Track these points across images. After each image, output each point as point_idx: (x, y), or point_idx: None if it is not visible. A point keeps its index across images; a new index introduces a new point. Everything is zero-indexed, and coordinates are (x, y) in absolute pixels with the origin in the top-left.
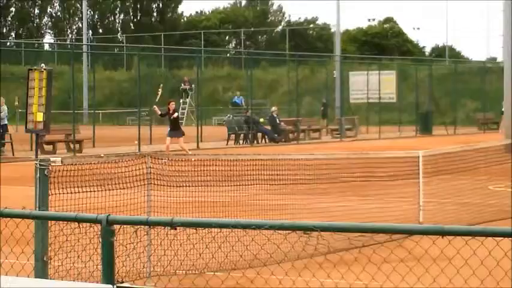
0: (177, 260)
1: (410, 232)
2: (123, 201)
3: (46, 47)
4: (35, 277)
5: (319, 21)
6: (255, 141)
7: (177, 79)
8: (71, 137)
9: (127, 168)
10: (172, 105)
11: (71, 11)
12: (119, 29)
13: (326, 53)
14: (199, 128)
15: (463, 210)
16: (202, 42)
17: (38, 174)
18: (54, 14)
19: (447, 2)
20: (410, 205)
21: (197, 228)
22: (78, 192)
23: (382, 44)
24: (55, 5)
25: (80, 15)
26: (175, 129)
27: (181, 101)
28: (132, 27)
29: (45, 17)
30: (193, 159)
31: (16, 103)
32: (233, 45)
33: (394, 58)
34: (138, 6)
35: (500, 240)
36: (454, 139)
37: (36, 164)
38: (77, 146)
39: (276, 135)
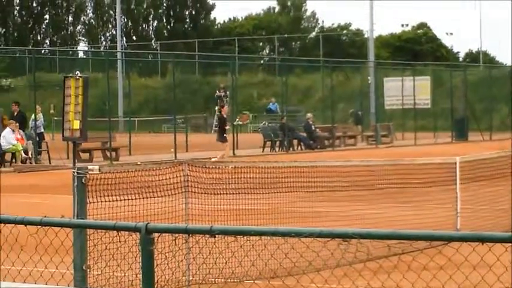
0: (216, 268)
1: (450, 239)
2: (161, 209)
3: (80, 54)
4: (75, 286)
5: (353, 27)
6: (291, 148)
7: (211, 86)
8: (107, 145)
9: (164, 176)
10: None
11: (105, 18)
12: (153, 36)
13: (360, 58)
14: (235, 135)
15: (500, 216)
16: (236, 48)
17: (76, 183)
18: (87, 22)
19: (481, 4)
20: (448, 212)
21: (236, 236)
22: (116, 200)
23: (415, 49)
24: (88, 12)
25: (114, 23)
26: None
27: (216, 108)
28: (166, 34)
29: (79, 25)
30: (230, 167)
31: (52, 111)
32: (267, 51)
33: (428, 64)
34: (172, 12)
35: None
36: (490, 145)
37: (73, 172)
38: (114, 153)
39: (311, 142)
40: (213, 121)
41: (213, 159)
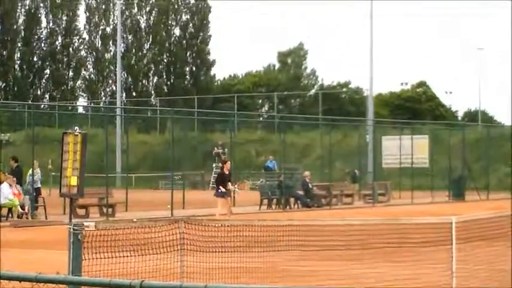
0: None
1: None
2: (156, 267)
3: (80, 109)
4: None
5: (352, 85)
6: (288, 206)
7: (210, 143)
8: (104, 201)
9: (160, 233)
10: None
11: (105, 73)
12: (153, 91)
13: (359, 116)
14: (232, 192)
15: (496, 277)
16: (236, 105)
17: (72, 239)
18: (88, 77)
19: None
20: (443, 271)
21: None
22: (112, 257)
23: (415, 108)
24: (89, 67)
25: (114, 78)
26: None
27: (214, 165)
28: (166, 90)
29: (79, 80)
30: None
31: (49, 166)
32: (266, 108)
33: (427, 122)
34: (172, 69)
35: None
36: (487, 204)
37: (69, 228)
38: (110, 210)
39: (308, 200)
40: (211, 178)
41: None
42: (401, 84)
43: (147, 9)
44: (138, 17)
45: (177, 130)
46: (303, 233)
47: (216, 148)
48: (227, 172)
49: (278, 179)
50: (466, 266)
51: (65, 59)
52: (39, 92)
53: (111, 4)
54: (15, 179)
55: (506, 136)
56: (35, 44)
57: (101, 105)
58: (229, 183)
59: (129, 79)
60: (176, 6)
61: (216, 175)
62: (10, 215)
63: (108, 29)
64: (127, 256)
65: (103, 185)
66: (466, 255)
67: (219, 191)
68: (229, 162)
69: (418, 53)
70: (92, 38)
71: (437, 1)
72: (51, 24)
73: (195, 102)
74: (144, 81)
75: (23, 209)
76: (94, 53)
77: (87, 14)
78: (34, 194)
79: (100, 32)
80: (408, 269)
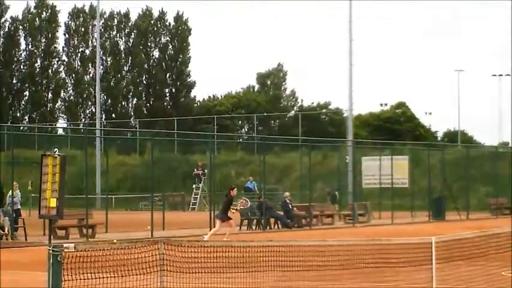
0: None
1: None
2: None
3: (59, 131)
4: None
5: (332, 106)
6: (268, 227)
7: (190, 164)
8: (84, 222)
9: (140, 255)
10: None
11: (84, 95)
12: (132, 113)
13: (338, 137)
14: (212, 213)
15: None
16: (215, 127)
17: (51, 260)
18: (67, 98)
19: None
20: None
21: None
22: (92, 278)
23: (394, 128)
24: (68, 89)
25: (93, 100)
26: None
27: (193, 186)
28: (145, 112)
29: (59, 101)
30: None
31: (29, 187)
32: (246, 129)
33: (407, 143)
34: (151, 91)
35: None
36: (467, 224)
37: (49, 249)
38: (90, 231)
39: (288, 220)
40: (191, 199)
41: (224, 238)
42: (381, 105)
43: (126, 31)
44: (117, 39)
45: (156, 151)
46: (283, 254)
47: (196, 169)
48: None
49: (258, 199)
50: (446, 285)
51: (44, 81)
52: (18, 114)
53: (90, 26)
54: None
55: (485, 156)
56: (14, 66)
57: (81, 126)
58: (231, 209)
59: (109, 101)
60: (156, 28)
61: (224, 202)
62: None
63: (87, 51)
64: (107, 277)
65: (83, 206)
66: (446, 275)
67: (225, 215)
68: (235, 188)
69: (397, 74)
70: (71, 60)
71: (415, 23)
72: (30, 46)
73: (175, 124)
74: (123, 103)
75: (3, 230)
76: (73, 75)
77: (66, 36)
78: (14, 215)
79: (79, 54)
80: None
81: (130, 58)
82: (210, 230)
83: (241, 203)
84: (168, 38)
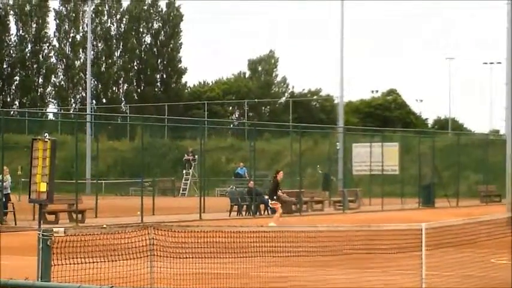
0: None
1: None
2: (126, 273)
3: (50, 116)
4: None
5: (323, 93)
6: (258, 213)
7: (180, 150)
8: (74, 207)
9: (130, 239)
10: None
11: (75, 80)
12: (123, 98)
13: (329, 124)
14: (202, 198)
15: (465, 283)
16: (206, 113)
17: (41, 245)
18: (58, 84)
19: (450, 74)
20: (413, 278)
21: None
22: (81, 263)
23: (385, 115)
24: (59, 74)
25: (84, 85)
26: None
27: (184, 171)
28: (136, 97)
29: (49, 87)
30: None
31: (19, 172)
32: (236, 116)
33: (397, 130)
34: (142, 76)
35: None
36: (457, 211)
37: (39, 234)
38: (80, 216)
39: None
40: (181, 184)
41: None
42: (372, 92)
43: (118, 16)
44: (109, 25)
45: (147, 137)
46: (273, 239)
47: (186, 155)
48: (279, 181)
49: (248, 185)
50: (435, 272)
51: (35, 66)
52: (8, 99)
53: (81, 12)
54: None
55: (475, 144)
56: (4, 51)
57: (71, 112)
58: (279, 191)
59: (99, 86)
60: (148, 14)
61: (272, 185)
62: None
63: (78, 37)
64: (97, 262)
65: (73, 191)
66: (436, 262)
67: (275, 197)
68: (281, 171)
69: (388, 61)
70: (62, 45)
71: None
72: (20, 31)
73: (166, 110)
74: (114, 88)
75: None
76: (64, 60)
77: (57, 21)
78: (3, 200)
79: (70, 40)
80: (378, 275)
81: (121, 43)
82: (200, 215)
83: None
84: (160, 24)
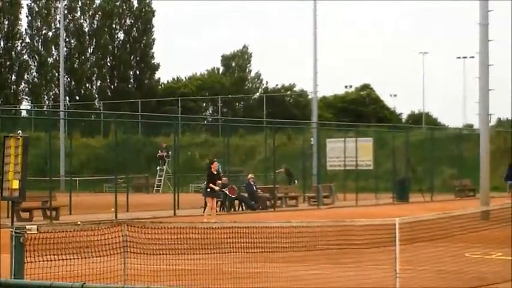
0: None
1: None
2: (99, 269)
3: (23, 113)
4: None
5: (297, 88)
6: (232, 209)
7: (154, 146)
8: (48, 204)
9: (103, 236)
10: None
11: (48, 77)
12: (96, 95)
13: (303, 119)
14: (176, 195)
15: (439, 277)
16: (180, 109)
17: (14, 242)
18: (31, 81)
19: (423, 69)
20: (387, 272)
21: None
22: (54, 260)
23: (359, 110)
24: (32, 71)
25: (57, 82)
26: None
27: (158, 168)
28: (109, 94)
29: (22, 84)
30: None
31: None
32: (210, 111)
33: (371, 125)
34: (115, 73)
35: None
36: (431, 206)
37: (11, 231)
38: (54, 213)
39: (253, 202)
40: (155, 181)
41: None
42: (346, 87)
43: (90, 13)
44: (81, 21)
45: (120, 134)
46: (247, 235)
47: (160, 151)
48: (215, 172)
49: (222, 181)
50: (409, 266)
51: (8, 63)
52: None
53: (53, 8)
54: None
55: (449, 138)
56: None
57: (45, 109)
58: (218, 182)
59: (73, 83)
60: (120, 10)
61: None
62: None
63: (50, 33)
64: (70, 259)
65: (47, 188)
66: (410, 256)
67: (208, 190)
68: (216, 162)
69: (362, 56)
70: (34, 42)
71: (381, 5)
72: None
73: (139, 106)
74: (87, 85)
75: None
76: (36, 57)
77: (29, 18)
78: None
79: (42, 36)
80: (351, 270)
81: (94, 40)
82: (174, 211)
83: (231, 190)
84: (132, 20)
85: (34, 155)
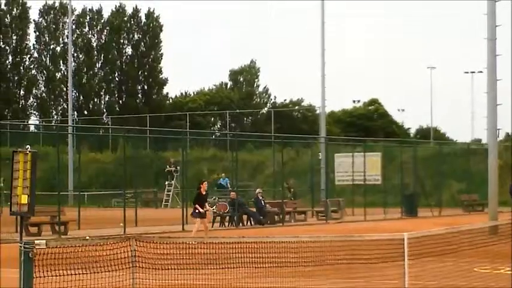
0: None
1: None
2: (108, 284)
3: (31, 128)
4: None
5: (305, 103)
6: (241, 224)
7: (162, 161)
8: (56, 219)
9: (112, 251)
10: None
11: (56, 92)
12: (104, 110)
13: (311, 134)
14: (185, 209)
15: None
16: (188, 123)
17: (23, 257)
18: (39, 95)
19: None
20: (396, 287)
21: None
22: (63, 275)
23: (367, 125)
24: (40, 86)
25: (65, 97)
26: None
27: (166, 183)
28: (117, 109)
29: (31, 98)
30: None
31: (1, 184)
32: (218, 126)
33: (379, 140)
34: (123, 87)
35: None
36: (439, 221)
37: (20, 246)
38: (62, 228)
39: (261, 217)
40: (164, 196)
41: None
42: (354, 101)
43: (99, 28)
44: (90, 36)
45: (129, 148)
46: (256, 250)
47: (168, 166)
48: (204, 192)
49: (230, 196)
50: (418, 281)
51: (16, 78)
52: None
53: (61, 23)
54: None
55: (457, 153)
56: None
57: (53, 123)
58: (207, 204)
59: (81, 98)
60: (128, 25)
61: (194, 198)
62: None
63: (58, 48)
64: (79, 274)
65: (55, 203)
66: (418, 271)
67: (196, 211)
68: (206, 182)
69: (370, 71)
70: (42, 57)
71: (388, 20)
72: (1, 43)
73: (147, 121)
74: (95, 100)
75: None
76: (45, 72)
77: (37, 33)
78: None
79: (50, 51)
80: (360, 285)
81: (102, 55)
82: (182, 226)
83: (220, 206)
84: (140, 35)
85: (42, 169)
